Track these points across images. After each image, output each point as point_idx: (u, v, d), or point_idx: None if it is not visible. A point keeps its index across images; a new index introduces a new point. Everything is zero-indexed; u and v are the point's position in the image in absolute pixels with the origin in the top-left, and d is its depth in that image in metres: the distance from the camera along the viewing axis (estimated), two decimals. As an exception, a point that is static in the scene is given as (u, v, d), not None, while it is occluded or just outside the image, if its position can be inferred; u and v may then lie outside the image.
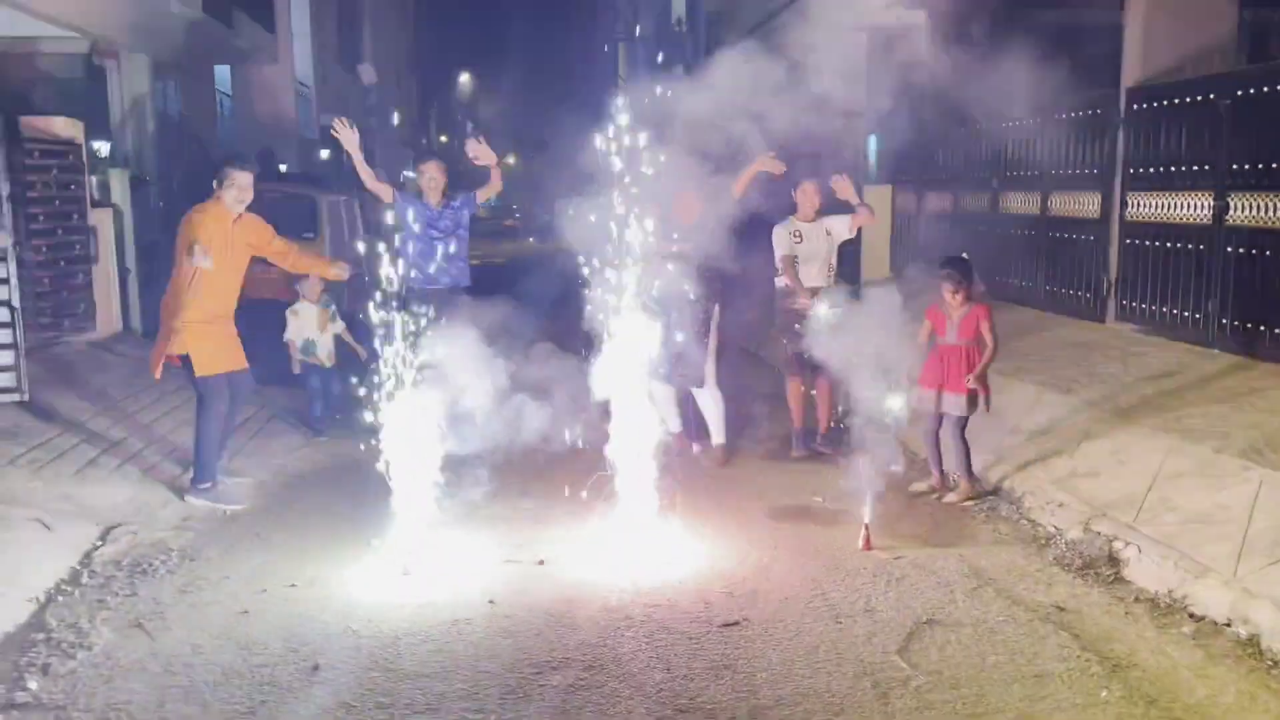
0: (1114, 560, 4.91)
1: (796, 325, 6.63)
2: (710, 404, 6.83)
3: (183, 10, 14.06)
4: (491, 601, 4.58)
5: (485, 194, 7.12)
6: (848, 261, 14.28)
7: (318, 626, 4.35)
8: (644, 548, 5.13)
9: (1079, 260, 9.07)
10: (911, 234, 12.23)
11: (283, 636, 4.25)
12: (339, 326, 7.91)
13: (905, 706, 3.61)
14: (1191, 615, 4.31)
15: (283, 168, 18.45)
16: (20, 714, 3.64)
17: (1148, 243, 8.10)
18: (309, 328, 7.79)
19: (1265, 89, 6.84)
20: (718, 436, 6.87)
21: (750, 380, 8.72)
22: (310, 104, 22.90)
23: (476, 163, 6.93)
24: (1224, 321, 7.26)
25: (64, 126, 9.22)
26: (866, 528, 5.22)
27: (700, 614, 4.41)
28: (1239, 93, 7.05)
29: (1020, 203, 10.08)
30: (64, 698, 3.75)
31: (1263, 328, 6.89)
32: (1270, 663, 3.89)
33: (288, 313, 7.79)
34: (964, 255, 6.39)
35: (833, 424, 6.95)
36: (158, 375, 6.06)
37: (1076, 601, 4.52)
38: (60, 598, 4.70)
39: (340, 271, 6.59)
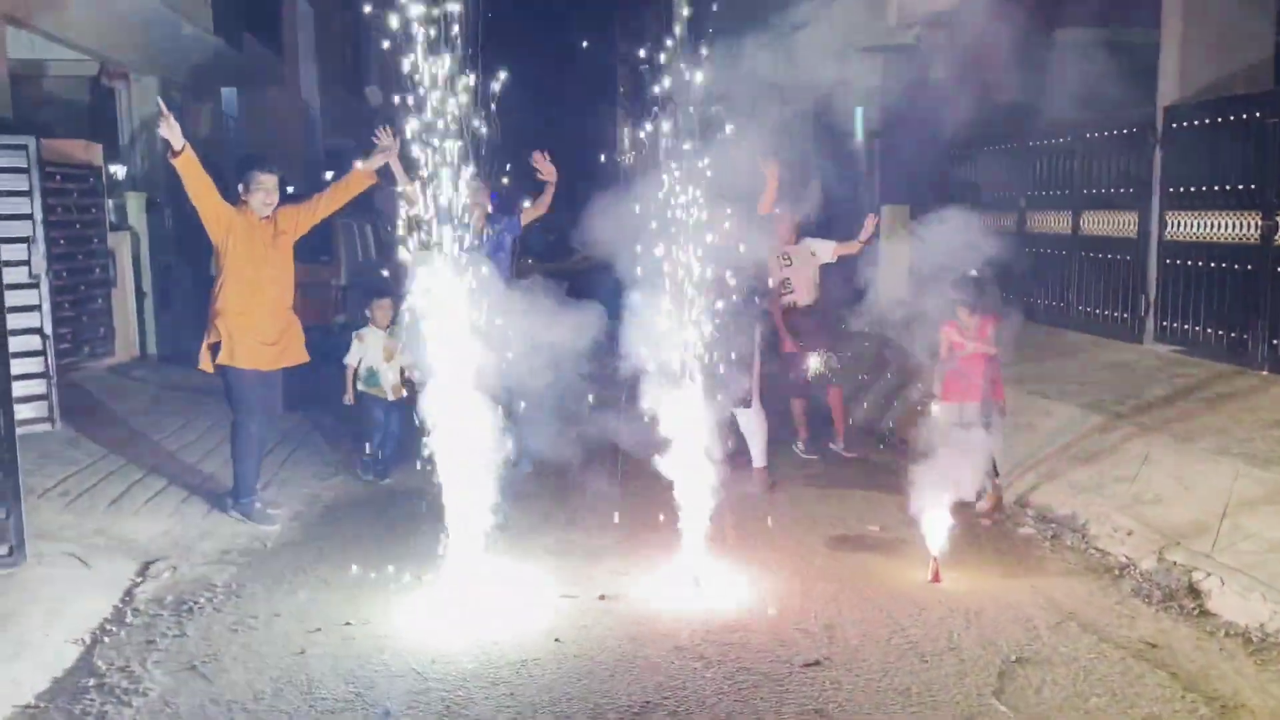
0: (1195, 592, 4.76)
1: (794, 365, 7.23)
2: (754, 426, 6.74)
3: (194, 32, 13.94)
4: (557, 640, 4.41)
5: (531, 214, 6.87)
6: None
7: (379, 668, 4.17)
8: (705, 580, 4.98)
9: (1115, 280, 8.96)
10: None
11: (345, 679, 4.07)
12: (406, 360, 7.05)
13: (1014, 753, 3.46)
14: (1289, 650, 4.17)
15: (290, 189, 18.36)
16: (81, 767, 3.46)
17: (1189, 263, 7.99)
18: (374, 355, 7.03)
19: (1315, 108, 6.76)
20: (759, 460, 6.77)
21: (781, 403, 8.57)
22: (316, 126, 22.80)
23: (539, 176, 6.76)
24: (1275, 343, 7.14)
25: (84, 150, 9.08)
26: (935, 559, 5.07)
27: (778, 653, 4.25)
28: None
29: (1050, 222, 9.98)
30: (125, 748, 3.57)
31: (1314, 349, 6.78)
32: (1382, 702, 3.74)
33: (354, 335, 7.11)
34: (975, 273, 6.29)
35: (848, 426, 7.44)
36: (203, 367, 5.93)
37: (1165, 637, 4.37)
38: (106, 639, 4.52)
39: (378, 160, 6.00)
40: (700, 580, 4.95)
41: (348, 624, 4.64)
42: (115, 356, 9.38)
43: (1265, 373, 7.22)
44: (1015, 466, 6.66)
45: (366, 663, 4.22)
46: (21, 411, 6.17)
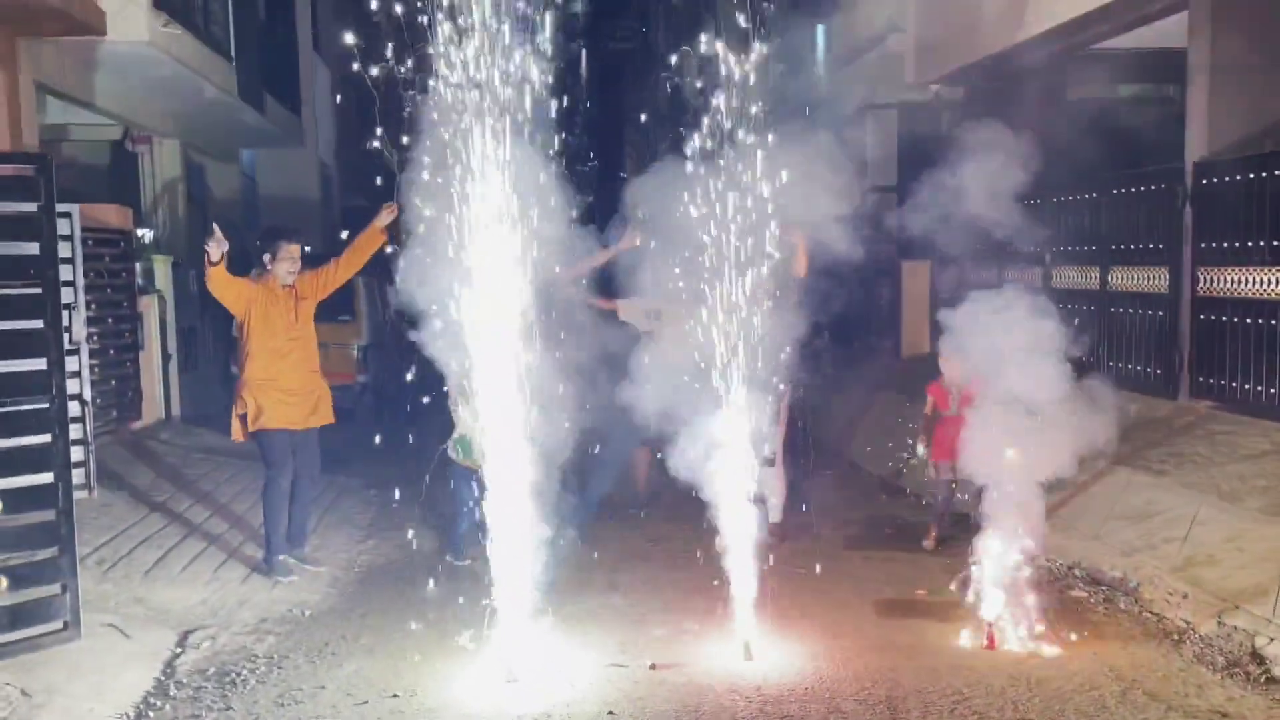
0: (1259, 658, 4.65)
1: None
2: (775, 482, 6.80)
3: (217, 95, 14.11)
4: (611, 714, 4.32)
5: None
6: (889, 335, 14.27)
7: (432, 743, 4.09)
8: (756, 648, 4.89)
9: (1146, 336, 8.90)
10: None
11: (398, 755, 3.99)
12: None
13: (1096, 832, 3.35)
14: (1365, 720, 4.06)
15: (307, 249, 18.47)
16: None
17: (1224, 318, 7.94)
18: (468, 423, 6.19)
19: (1348, 164, 6.76)
20: (774, 515, 6.79)
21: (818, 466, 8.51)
22: (333, 185, 23.03)
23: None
24: (1313, 398, 7.08)
25: (116, 215, 9.16)
26: (990, 625, 4.97)
27: (840, 725, 4.16)
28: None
29: (1076, 278, 9.96)
30: (180, 831, 3.48)
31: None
32: None
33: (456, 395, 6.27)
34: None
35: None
36: (235, 438, 6.16)
37: (1235, 705, 4.27)
38: (151, 713, 4.44)
39: (384, 218, 6.05)
40: (751, 648, 4.87)
41: (395, 696, 4.55)
42: (142, 420, 9.36)
43: (1307, 429, 7.14)
44: (1068, 529, 6.57)
45: (417, 736, 4.14)
46: (60, 478, 6.16)
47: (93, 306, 8.54)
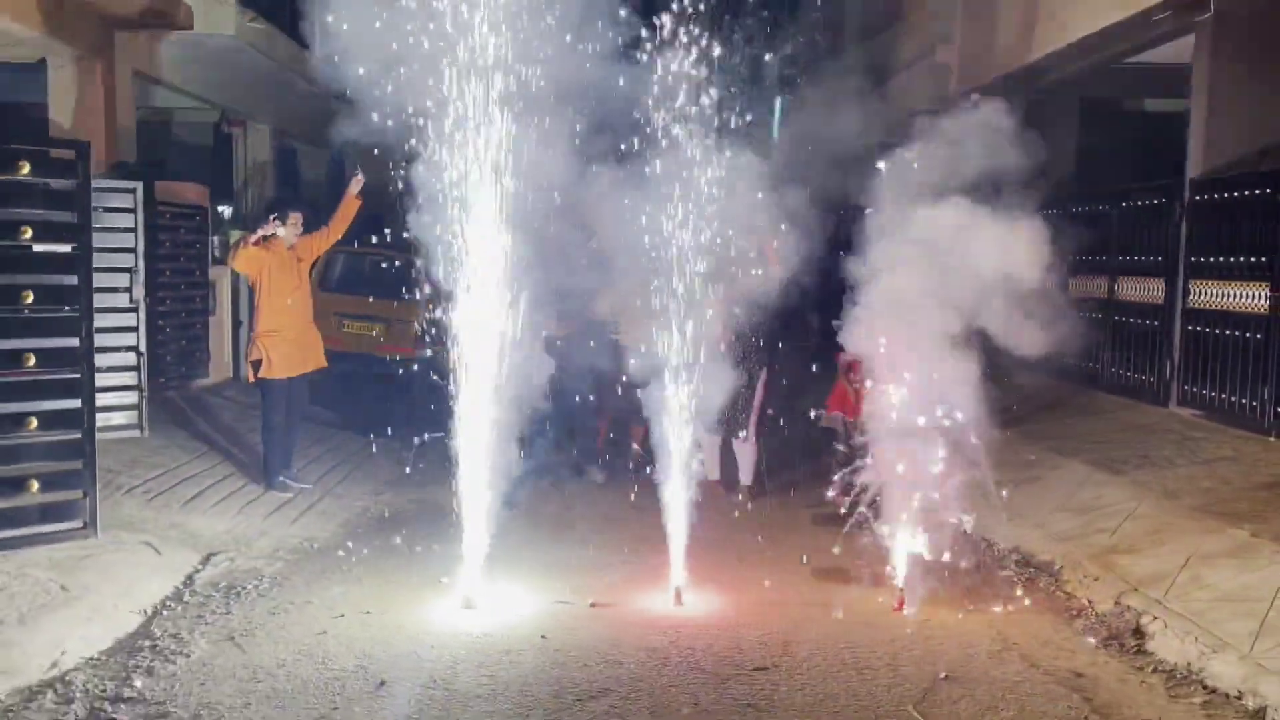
0: (1140, 633, 5.10)
1: None
2: (746, 453, 7.70)
3: (307, 89, 15.16)
4: (544, 637, 5.00)
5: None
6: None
7: (387, 648, 4.82)
8: (693, 597, 5.53)
9: (1144, 345, 9.21)
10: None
11: (355, 655, 4.73)
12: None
13: (910, 749, 3.91)
14: (1204, 686, 4.50)
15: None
16: (127, 707, 4.17)
17: (1208, 330, 8.24)
18: None
19: (1322, 185, 7.04)
20: (745, 479, 7.77)
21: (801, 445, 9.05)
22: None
23: None
24: (1278, 410, 7.36)
25: (193, 192, 10.14)
26: (900, 590, 5.51)
27: (734, 658, 4.76)
28: (1295, 188, 7.25)
29: (1089, 286, 10.27)
30: (164, 695, 4.27)
31: (1315, 417, 7.00)
32: (1272, 734, 4.07)
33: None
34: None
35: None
36: (248, 378, 7.46)
37: (1095, 669, 4.74)
38: (165, 612, 5.27)
39: (354, 187, 7.19)
40: (682, 594, 5.50)
41: (368, 612, 5.31)
42: (210, 378, 10.35)
43: (1272, 438, 7.42)
44: (1017, 517, 7.01)
45: (378, 644, 4.87)
46: (115, 419, 7.12)
47: (166, 273, 9.56)
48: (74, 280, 5.10)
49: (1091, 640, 5.09)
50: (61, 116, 9.77)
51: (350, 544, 6.58)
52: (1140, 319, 9.31)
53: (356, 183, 7.15)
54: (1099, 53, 10.36)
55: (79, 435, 5.22)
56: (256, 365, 7.22)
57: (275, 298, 7.16)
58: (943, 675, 4.59)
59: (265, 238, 6.95)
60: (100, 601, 5.24)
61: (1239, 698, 4.35)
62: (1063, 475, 7.50)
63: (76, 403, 5.18)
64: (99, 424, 6.82)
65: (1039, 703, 4.34)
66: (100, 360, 7.02)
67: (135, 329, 7.11)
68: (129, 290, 7.06)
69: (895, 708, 4.27)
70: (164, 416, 8.67)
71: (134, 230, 7.21)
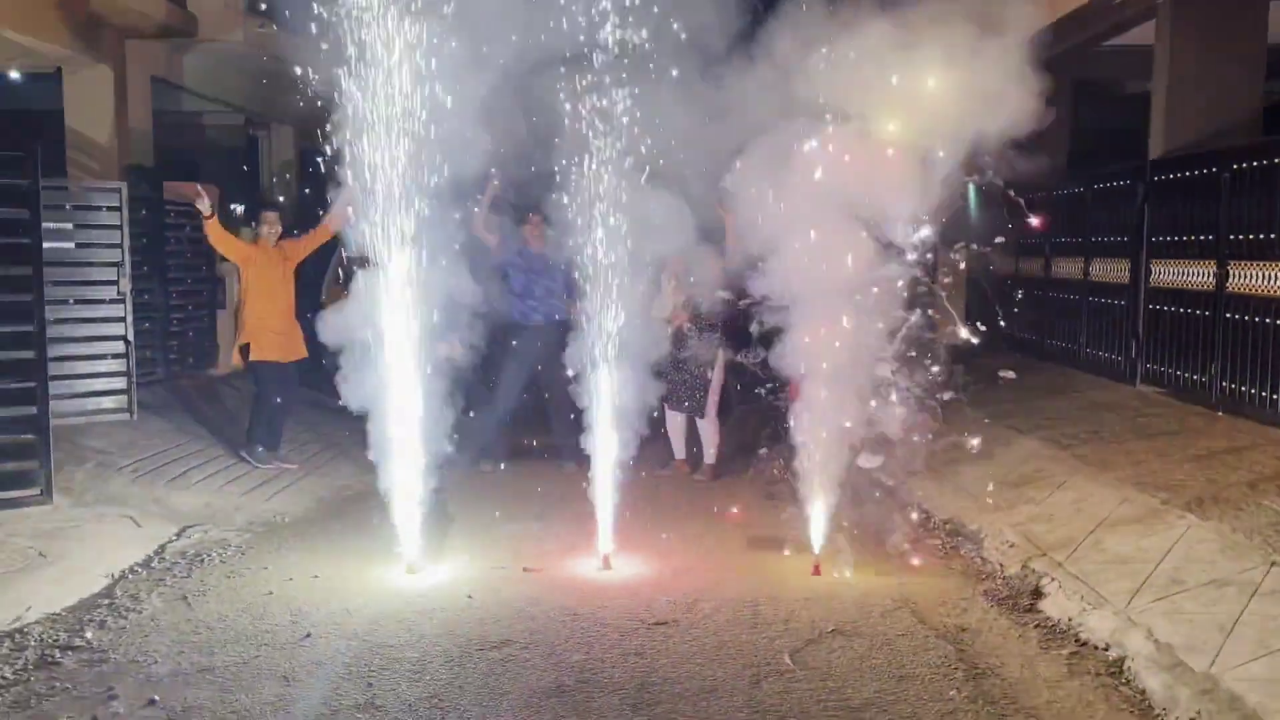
0: (1038, 594, 5.33)
1: None
2: (708, 431, 7.98)
3: (324, 90, 15.69)
4: (470, 597, 5.38)
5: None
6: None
7: (322, 606, 5.23)
8: (622, 562, 5.87)
9: (1113, 325, 9.34)
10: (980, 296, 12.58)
11: (290, 611, 5.15)
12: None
13: (771, 690, 4.21)
14: (1077, 639, 4.73)
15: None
16: (73, 654, 4.62)
17: (1166, 308, 8.37)
18: None
19: (1263, 162, 7.15)
20: (709, 458, 8.04)
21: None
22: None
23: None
24: (1224, 385, 7.49)
25: (196, 191, 10.65)
26: (816, 556, 5.80)
27: (639, 614, 5.09)
28: (1236, 166, 7.36)
29: (1068, 268, 10.40)
30: (109, 645, 4.72)
31: (1253, 390, 7.12)
32: (1124, 680, 4.30)
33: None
34: None
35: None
36: (235, 363, 8.18)
37: (982, 625, 4.99)
38: (130, 576, 5.74)
39: (340, 212, 7.40)
40: (611, 560, 5.84)
41: (315, 577, 5.73)
42: (218, 369, 10.88)
43: (1220, 413, 7.55)
44: (959, 490, 7.24)
45: (315, 604, 5.28)
46: (106, 403, 7.64)
47: (172, 269, 10.11)
48: (28, 271, 5.61)
49: (989, 601, 5.33)
50: (76, 122, 10.34)
51: (319, 518, 7.03)
52: (1110, 299, 9.45)
53: (343, 204, 7.27)
54: (1077, 35, 10.47)
55: (34, 410, 5.74)
56: (245, 350, 7.80)
57: (260, 291, 7.74)
58: (830, 629, 4.88)
59: (207, 216, 7.44)
60: (72, 566, 5.72)
61: (1105, 649, 4.58)
62: (1012, 451, 7.69)
63: (32, 383, 5.69)
64: (89, 408, 7.41)
65: (914, 653, 4.61)
66: (91, 349, 7.65)
67: (123, 319, 7.65)
68: (116, 283, 7.58)
69: (774, 656, 4.57)
70: (169, 403, 9.21)
71: (119, 227, 7.73)
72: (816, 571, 5.76)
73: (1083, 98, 12.55)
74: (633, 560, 5.98)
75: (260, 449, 7.95)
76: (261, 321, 7.71)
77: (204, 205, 7.48)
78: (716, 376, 7.88)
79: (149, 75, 11.46)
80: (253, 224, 7.81)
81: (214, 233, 7.53)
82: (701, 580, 5.66)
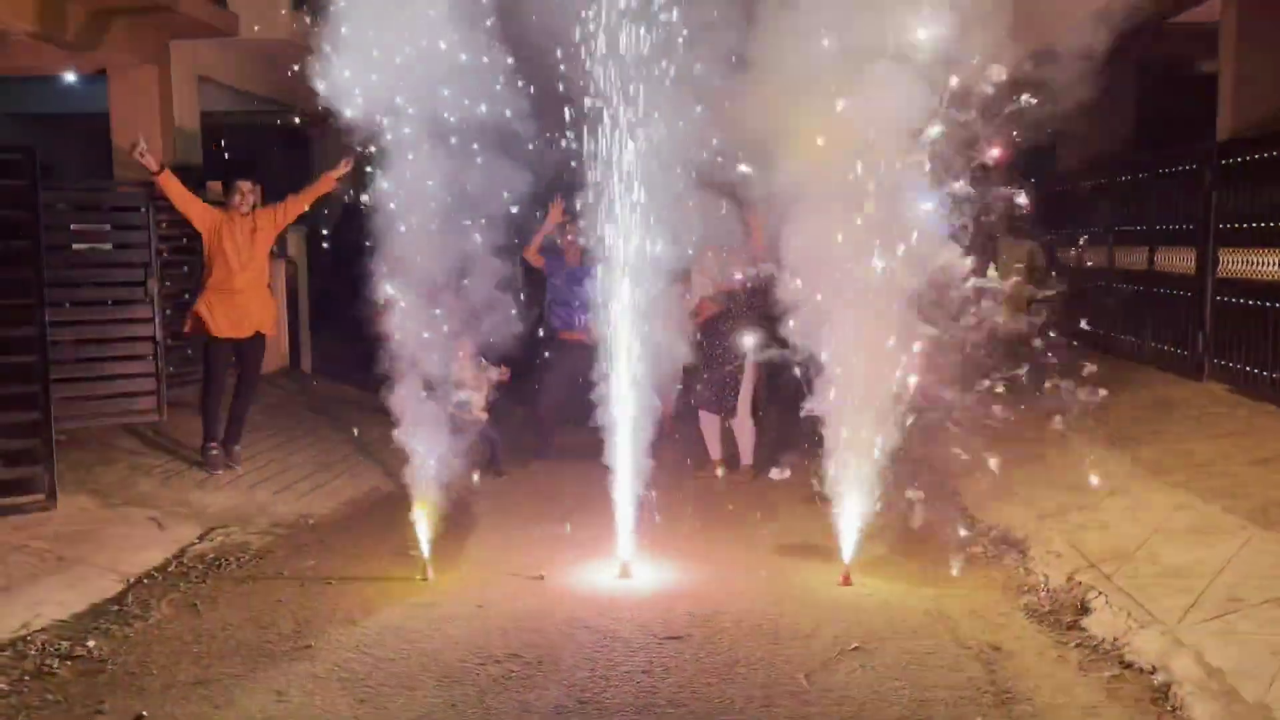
0: (1082, 609, 4.97)
1: None
2: (743, 432, 7.69)
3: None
4: (480, 606, 5.19)
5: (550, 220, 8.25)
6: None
7: (329, 615, 5.09)
8: (643, 570, 5.64)
9: (1178, 317, 8.83)
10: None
11: (296, 620, 5.01)
12: (492, 372, 7.98)
13: (781, 714, 3.95)
14: (1121, 661, 4.37)
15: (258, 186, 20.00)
16: (73, 664, 4.53)
17: (1238, 300, 7.85)
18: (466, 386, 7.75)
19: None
20: (745, 459, 7.75)
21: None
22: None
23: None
24: (1304, 382, 7.00)
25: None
26: (846, 565, 5.49)
27: (653, 628, 4.85)
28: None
29: (1130, 258, 9.89)
30: (108, 654, 4.62)
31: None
32: (1169, 708, 3.95)
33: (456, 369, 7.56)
34: None
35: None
36: (186, 331, 7.50)
37: (1019, 643, 4.65)
38: (145, 581, 5.66)
39: (341, 169, 7.38)
40: (629, 569, 5.61)
41: (329, 582, 5.60)
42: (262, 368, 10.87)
43: (1295, 413, 7.06)
44: (1008, 494, 6.87)
45: (318, 610, 5.15)
46: (136, 404, 7.62)
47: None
48: (30, 272, 5.52)
49: (1029, 617, 4.98)
50: (121, 123, 10.41)
51: (344, 521, 6.91)
52: (1176, 290, 8.94)
53: (345, 165, 7.35)
54: (1139, 12, 9.90)
55: (37, 415, 5.67)
56: (196, 321, 7.36)
57: (225, 259, 7.29)
58: (853, 646, 4.59)
59: (156, 171, 7.07)
60: (87, 571, 5.66)
61: (1150, 672, 4.22)
62: (1066, 452, 7.27)
63: (36, 386, 5.62)
64: (118, 409, 7.39)
65: (939, 674, 4.30)
66: (120, 350, 7.62)
67: (152, 319, 7.58)
68: (144, 284, 7.55)
69: (790, 676, 4.30)
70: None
71: (145, 228, 7.68)
72: (846, 581, 5.47)
73: (1147, 79, 11.96)
74: (654, 567, 5.74)
75: (213, 449, 7.46)
76: (221, 293, 7.27)
77: (147, 158, 6.86)
78: (748, 375, 7.60)
79: (195, 75, 11.52)
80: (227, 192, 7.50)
81: (171, 188, 7.03)
82: (723, 590, 5.40)
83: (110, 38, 9.54)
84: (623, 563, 5.64)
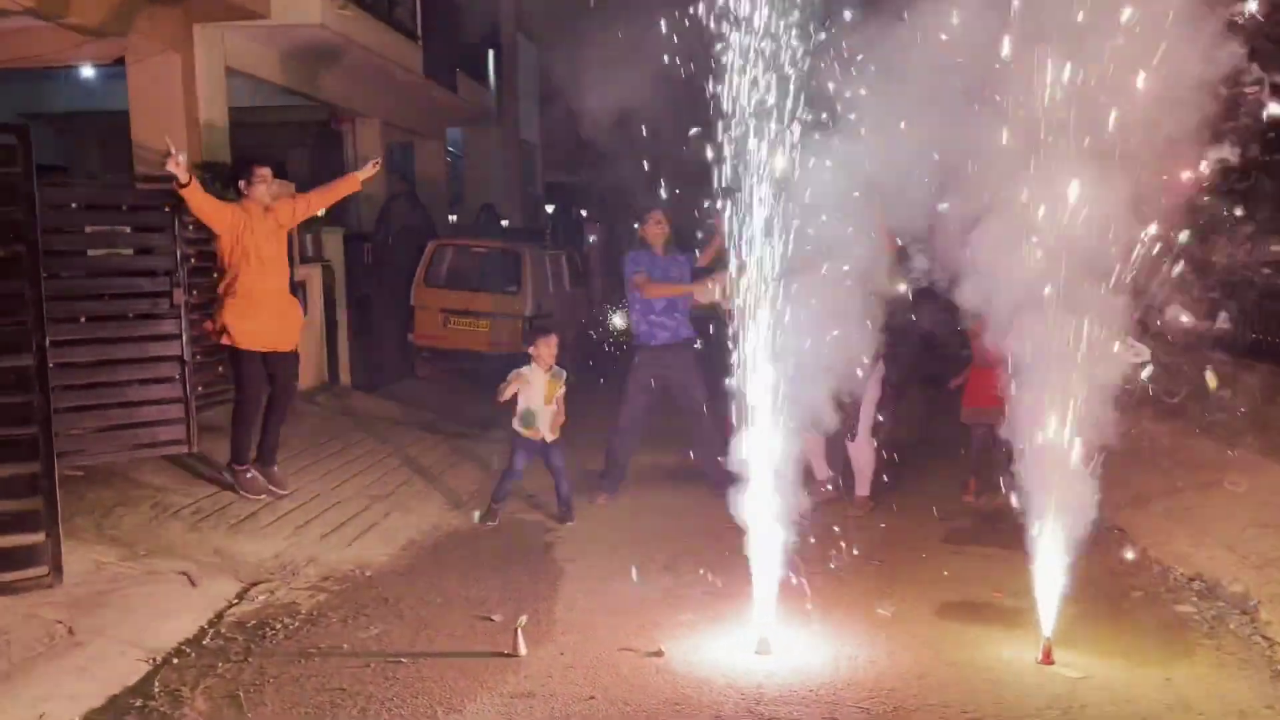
0: (1375, 701, 3.85)
1: None
2: (861, 458, 6.71)
3: (407, 78, 14.70)
4: (592, 697, 4.12)
5: (705, 257, 7.04)
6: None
7: (401, 706, 4.05)
8: (784, 643, 4.54)
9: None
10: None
11: (366, 716, 3.96)
12: (562, 393, 6.78)
13: None
14: None
15: (505, 222, 19.11)
16: (85, 789, 3.50)
17: None
18: (534, 396, 6.65)
19: None
20: (862, 489, 6.77)
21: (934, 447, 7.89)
22: (535, 163, 23.65)
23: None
24: None
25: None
26: (1047, 639, 4.38)
27: (824, 732, 3.77)
28: None
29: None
30: (130, 775, 3.59)
31: None
32: None
33: (514, 373, 6.67)
34: None
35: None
36: (210, 334, 6.62)
37: (1313, 754, 3.55)
38: (176, 659, 4.61)
39: (368, 171, 6.82)
40: (768, 644, 4.51)
41: (400, 661, 4.54)
42: (298, 382, 9.85)
43: None
44: (1199, 532, 5.76)
45: (391, 705, 4.10)
46: (161, 434, 6.58)
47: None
48: (22, 285, 4.37)
49: (1305, 711, 3.87)
50: (141, 116, 9.44)
51: (408, 571, 5.86)
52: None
53: (372, 167, 6.84)
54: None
55: (36, 468, 4.54)
56: (223, 331, 6.46)
57: (248, 260, 6.36)
58: (1101, 766, 3.49)
59: (184, 184, 6.01)
60: (106, 648, 4.63)
61: None
62: (1259, 479, 6.15)
63: (33, 430, 4.49)
64: (141, 441, 6.36)
65: (1238, 812, 3.20)
66: (141, 372, 6.57)
67: (178, 336, 6.50)
68: (169, 294, 6.49)
69: (1033, 814, 3.21)
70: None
71: (167, 230, 6.62)
72: (1047, 659, 4.35)
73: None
74: (795, 638, 4.65)
75: (249, 472, 6.58)
76: (246, 300, 6.36)
77: (179, 169, 5.87)
78: (871, 388, 6.47)
79: (223, 65, 10.52)
80: (239, 184, 6.53)
81: (195, 200, 6.08)
82: (894, 673, 4.30)
83: (127, 20, 8.57)
84: (762, 637, 4.54)
